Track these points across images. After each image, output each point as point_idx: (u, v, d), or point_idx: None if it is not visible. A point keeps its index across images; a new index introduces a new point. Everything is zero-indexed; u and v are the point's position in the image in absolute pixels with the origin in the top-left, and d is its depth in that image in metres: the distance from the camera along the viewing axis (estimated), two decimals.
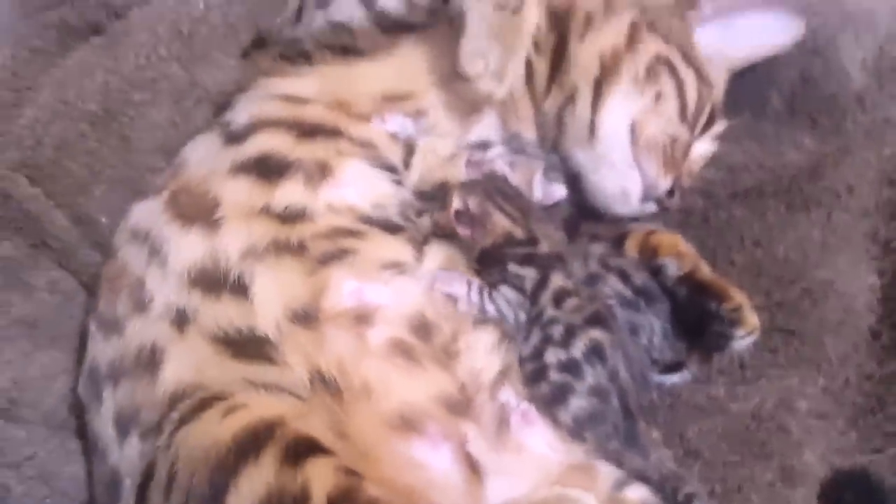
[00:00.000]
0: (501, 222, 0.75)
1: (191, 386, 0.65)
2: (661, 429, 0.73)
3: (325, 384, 0.65)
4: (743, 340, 0.75)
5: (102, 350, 0.72)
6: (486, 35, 0.73)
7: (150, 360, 0.68)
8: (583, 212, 0.84)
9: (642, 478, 0.70)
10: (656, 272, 0.79)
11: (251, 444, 0.59)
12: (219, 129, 0.78)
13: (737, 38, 0.84)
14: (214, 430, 0.60)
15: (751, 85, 0.86)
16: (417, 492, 0.64)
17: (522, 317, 0.71)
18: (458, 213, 0.74)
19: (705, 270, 0.78)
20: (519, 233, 0.74)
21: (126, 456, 0.67)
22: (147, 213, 0.75)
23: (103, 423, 0.70)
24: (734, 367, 0.78)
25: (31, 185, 0.85)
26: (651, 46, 0.80)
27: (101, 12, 0.94)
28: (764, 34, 0.84)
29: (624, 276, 0.77)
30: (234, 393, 0.63)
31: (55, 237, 0.86)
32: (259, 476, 0.58)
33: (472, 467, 0.66)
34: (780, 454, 0.73)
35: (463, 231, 0.74)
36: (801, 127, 0.83)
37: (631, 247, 0.81)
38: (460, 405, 0.68)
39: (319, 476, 0.58)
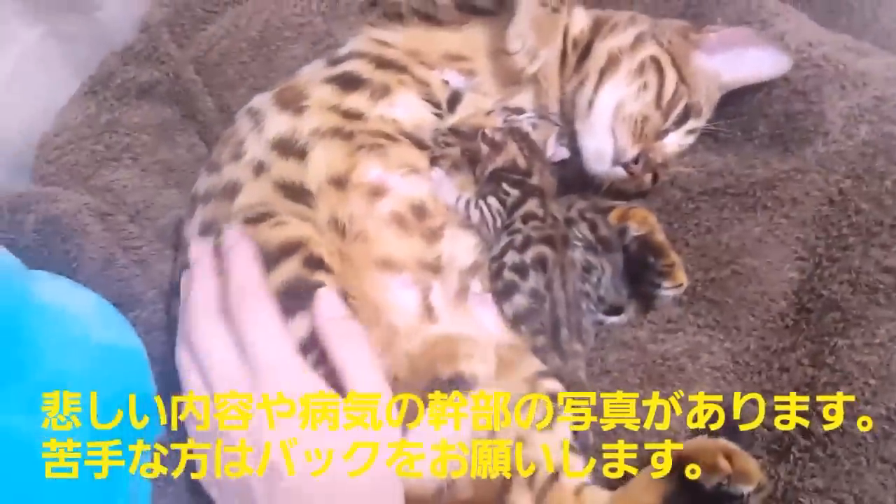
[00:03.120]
0: (513, 151, 0.94)
1: (251, 207, 0.89)
2: (586, 346, 0.91)
3: (337, 227, 0.87)
4: (667, 291, 0.92)
5: (203, 182, 0.98)
6: (528, 23, 0.96)
7: (232, 190, 0.92)
8: (585, 184, 1.05)
9: (557, 376, 0.87)
10: (622, 232, 0.97)
11: (289, 248, 0.83)
12: (328, 56, 1.05)
13: (734, 66, 1.01)
14: (267, 234, 0.84)
15: (747, 114, 1.03)
16: (381, 309, 0.85)
17: (499, 223, 0.92)
18: (484, 135, 0.95)
19: (659, 237, 0.95)
20: (522, 163, 0.94)
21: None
22: (261, 99, 1.01)
23: (191, 229, 0.95)
24: (662, 320, 0.94)
25: (195, 74, 1.14)
26: (648, 50, 1.01)
27: None
28: (756, 65, 1.01)
29: (593, 226, 0.95)
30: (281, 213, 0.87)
31: (202, 114, 1.13)
32: (289, 267, 0.81)
33: (429, 310, 0.87)
34: (671, 385, 0.89)
35: (485, 148, 0.95)
36: (775, 152, 0.99)
37: (614, 216, 0.99)
38: (432, 268, 0.89)
39: (324, 282, 0.81)
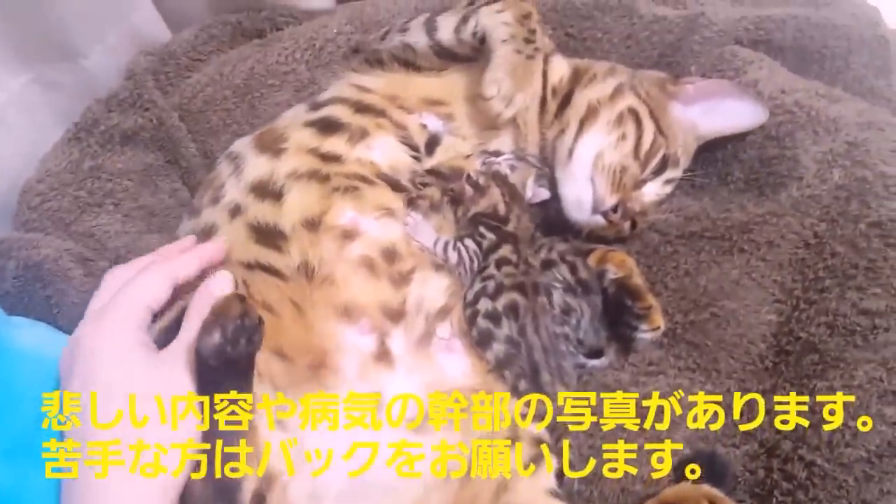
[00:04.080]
0: (496, 196, 0.95)
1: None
2: (569, 389, 0.89)
3: (306, 271, 0.87)
4: (645, 334, 0.92)
5: (184, 226, 0.99)
6: (503, 69, 0.97)
7: (208, 233, 0.93)
8: (565, 227, 1.05)
9: (542, 417, 0.87)
10: (601, 275, 0.97)
11: None
12: (310, 100, 1.07)
13: (710, 117, 1.03)
14: None
15: (721, 159, 1.05)
16: (328, 352, 0.84)
17: (476, 265, 0.92)
18: (468, 177, 0.96)
19: (637, 280, 0.95)
20: (502, 209, 0.95)
21: None
22: (241, 143, 1.02)
23: None
24: (642, 362, 0.95)
25: (179, 120, 1.15)
26: (627, 101, 1.02)
27: (266, 23, 1.25)
28: (733, 117, 1.03)
29: (573, 268, 0.95)
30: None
31: (185, 160, 1.14)
32: None
33: (385, 353, 0.86)
34: (654, 430, 0.89)
35: (468, 191, 0.96)
36: (751, 196, 1.01)
37: (593, 259, 1.00)
38: (395, 314, 0.88)
39: None
